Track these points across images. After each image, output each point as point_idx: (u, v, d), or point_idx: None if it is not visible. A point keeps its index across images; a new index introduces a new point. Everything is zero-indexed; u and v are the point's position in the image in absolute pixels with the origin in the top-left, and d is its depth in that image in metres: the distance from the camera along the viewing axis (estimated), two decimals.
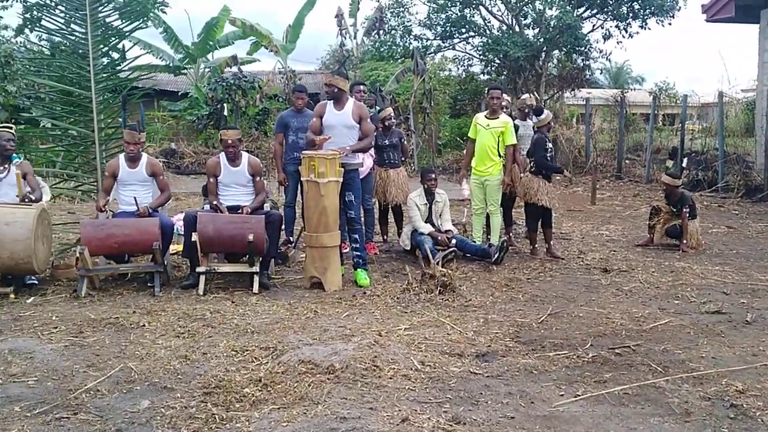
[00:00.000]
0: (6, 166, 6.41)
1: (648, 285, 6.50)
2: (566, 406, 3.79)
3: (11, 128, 6.62)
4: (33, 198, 6.31)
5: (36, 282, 6.32)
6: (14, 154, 6.52)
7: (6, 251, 5.73)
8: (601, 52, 21.34)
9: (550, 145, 7.62)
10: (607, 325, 5.26)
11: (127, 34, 7.86)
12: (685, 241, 8.01)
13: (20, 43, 16.95)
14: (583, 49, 20.67)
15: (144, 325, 5.11)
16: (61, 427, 3.45)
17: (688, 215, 8.04)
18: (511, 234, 8.36)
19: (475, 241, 7.62)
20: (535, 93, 19.01)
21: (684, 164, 12.25)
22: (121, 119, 7.30)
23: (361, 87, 8.00)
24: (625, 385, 4.08)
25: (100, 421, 3.52)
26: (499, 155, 7.42)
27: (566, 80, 21.54)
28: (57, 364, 4.31)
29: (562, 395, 3.94)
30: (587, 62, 21.65)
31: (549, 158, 7.56)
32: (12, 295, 5.86)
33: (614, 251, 8.10)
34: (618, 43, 21.25)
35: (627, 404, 3.84)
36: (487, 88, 8.95)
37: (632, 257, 7.76)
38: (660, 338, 4.94)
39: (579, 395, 3.94)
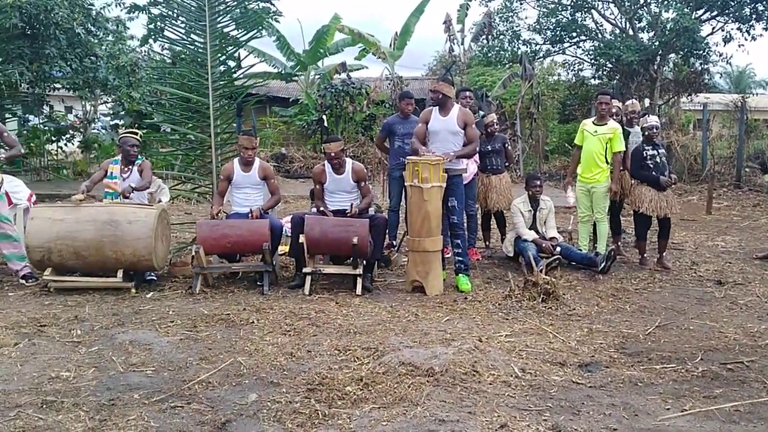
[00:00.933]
0: (130, 168, 6.85)
1: (766, 299, 6.17)
2: (672, 421, 3.68)
3: (137, 134, 7.06)
4: (139, 188, 6.68)
5: (155, 278, 6.71)
6: (138, 158, 6.95)
7: (129, 248, 6.12)
8: (720, 55, 20.35)
9: (654, 152, 7.34)
10: (719, 339, 5.05)
11: (243, 43, 8.20)
12: None
13: (144, 52, 18.01)
14: (701, 52, 19.77)
15: (253, 322, 5.33)
16: (176, 415, 3.66)
17: None
18: (619, 243, 8.13)
19: (581, 250, 7.47)
20: (648, 98, 18.39)
21: None
22: (235, 125, 7.61)
23: (467, 93, 8.00)
24: (737, 402, 3.91)
25: (210, 412, 3.71)
26: (607, 162, 7.25)
27: (682, 85, 20.66)
28: (173, 356, 4.57)
29: (668, 409, 3.83)
30: (706, 66, 20.69)
31: (651, 166, 7.29)
32: (133, 290, 6.25)
33: (730, 263, 7.73)
34: (740, 46, 20.26)
35: (738, 422, 3.68)
36: (596, 94, 8.75)
37: (749, 270, 7.38)
38: None
39: (686, 410, 3.81)
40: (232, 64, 8.37)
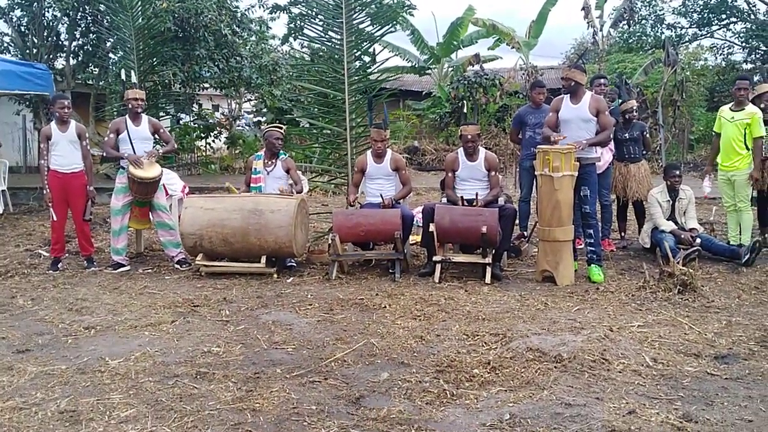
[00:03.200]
0: (273, 161, 7.27)
1: None
2: None
3: (281, 128, 7.49)
4: (294, 191, 7.09)
5: (294, 264, 7.11)
6: (281, 151, 7.37)
7: (271, 236, 6.53)
8: None
9: None
10: None
11: (377, 38, 8.44)
12: None
13: (284, 51, 18.79)
14: None
15: (385, 307, 5.55)
16: (314, 389, 3.92)
17: None
18: (766, 235, 7.71)
19: (729, 242, 7.15)
20: None
21: None
22: (368, 118, 7.88)
23: (602, 80, 7.84)
24: None
25: (345, 387, 3.94)
26: (747, 148, 6.91)
27: None
28: (311, 336, 4.87)
29: None
30: None
31: None
32: (275, 275, 6.66)
33: None
34: None
35: None
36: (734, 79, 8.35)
37: None
38: None
39: None
40: (367, 59, 8.64)
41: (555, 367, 4.17)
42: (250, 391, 3.87)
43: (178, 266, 7.11)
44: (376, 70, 8.61)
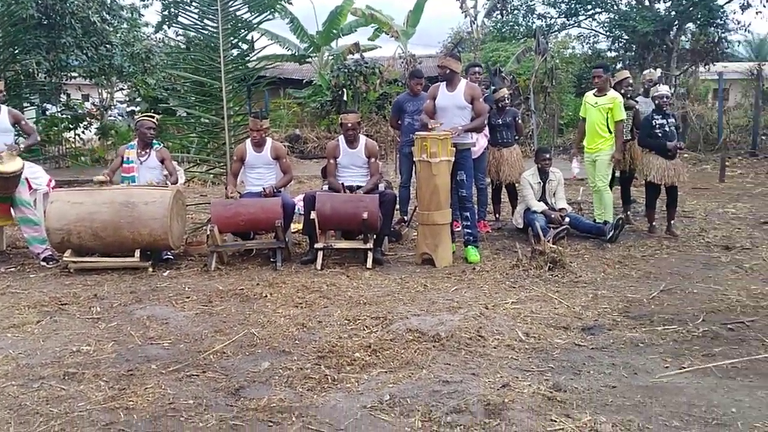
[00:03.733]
0: (147, 151, 7.02)
1: None
2: (670, 378, 3.79)
3: (154, 117, 7.22)
4: (169, 183, 6.87)
5: (171, 257, 6.90)
6: (154, 141, 7.11)
7: (146, 228, 6.30)
8: (739, 23, 20.10)
9: (663, 121, 7.35)
10: (722, 301, 5.13)
11: (255, 26, 8.29)
12: None
13: (158, 39, 18.16)
14: (718, 21, 19.55)
15: (266, 296, 5.49)
16: (192, 383, 3.83)
17: None
18: (629, 212, 8.21)
19: (595, 220, 7.55)
20: (663, 68, 18.24)
21: None
22: (247, 107, 7.73)
23: (477, 69, 8.08)
24: (735, 359, 4.01)
25: (224, 379, 3.87)
26: (610, 131, 7.32)
27: (699, 54, 20.44)
28: (188, 329, 4.74)
29: (666, 367, 3.94)
30: (723, 35, 20.45)
31: (660, 135, 7.32)
32: (150, 269, 6.44)
33: (739, 229, 7.77)
34: (757, 13, 19.94)
35: (734, 377, 3.79)
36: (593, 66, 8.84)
37: (758, 235, 7.43)
38: None
39: (684, 368, 3.92)
40: (244, 47, 8.47)
41: (433, 346, 4.27)
42: (122, 389, 3.72)
43: (44, 263, 6.73)
44: (254, 58, 8.46)
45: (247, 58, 8.37)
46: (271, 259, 6.64)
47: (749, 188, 11.02)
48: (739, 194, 10.40)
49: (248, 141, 7.07)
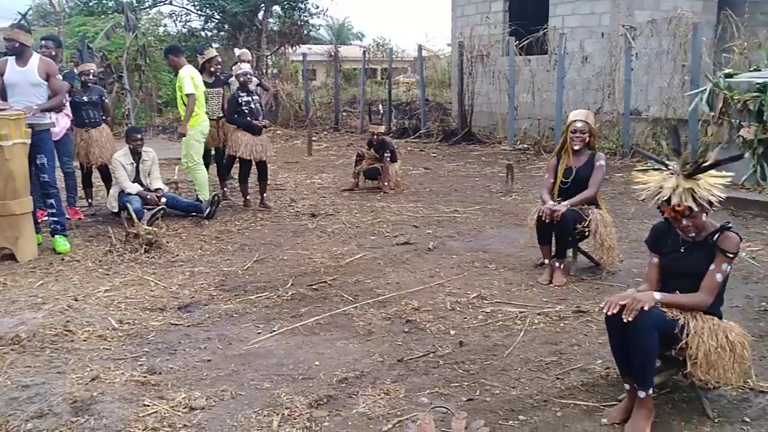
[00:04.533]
0: None
1: (350, 225, 6.96)
2: (262, 343, 3.99)
3: None
4: None
5: None
6: None
7: None
8: (317, 7, 21.81)
9: (249, 99, 7.64)
10: (309, 264, 5.57)
11: None
12: (386, 183, 8.67)
13: None
14: (300, 4, 20.98)
15: None
16: None
17: (389, 159, 8.70)
18: (226, 188, 8.41)
19: (197, 198, 7.54)
20: (255, 49, 18.99)
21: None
22: None
23: (46, 42, 7.38)
24: (319, 316, 4.39)
25: None
26: (185, 104, 7.36)
27: (286, 36, 21.73)
28: None
29: (259, 333, 4.14)
30: (306, 18, 22.00)
31: (246, 112, 7.59)
32: None
33: (323, 197, 8.50)
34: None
35: (318, 332, 4.14)
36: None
37: (339, 201, 8.21)
38: (354, 271, 5.36)
39: (275, 331, 4.16)
40: None
41: (12, 349, 3.85)
42: None
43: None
44: None
45: None
46: None
47: (333, 160, 12.10)
48: (323, 166, 11.36)
49: None
